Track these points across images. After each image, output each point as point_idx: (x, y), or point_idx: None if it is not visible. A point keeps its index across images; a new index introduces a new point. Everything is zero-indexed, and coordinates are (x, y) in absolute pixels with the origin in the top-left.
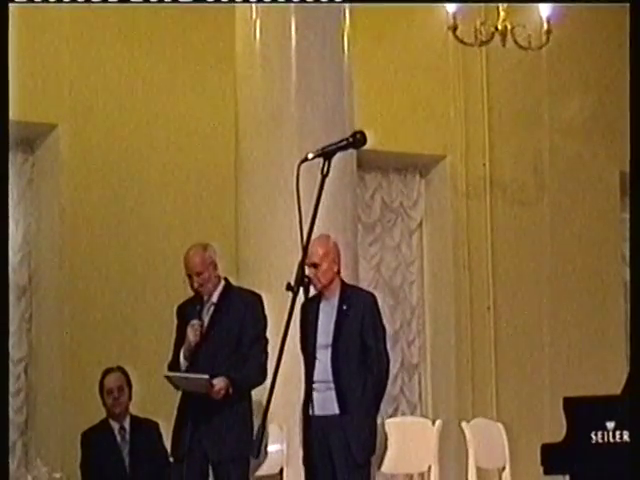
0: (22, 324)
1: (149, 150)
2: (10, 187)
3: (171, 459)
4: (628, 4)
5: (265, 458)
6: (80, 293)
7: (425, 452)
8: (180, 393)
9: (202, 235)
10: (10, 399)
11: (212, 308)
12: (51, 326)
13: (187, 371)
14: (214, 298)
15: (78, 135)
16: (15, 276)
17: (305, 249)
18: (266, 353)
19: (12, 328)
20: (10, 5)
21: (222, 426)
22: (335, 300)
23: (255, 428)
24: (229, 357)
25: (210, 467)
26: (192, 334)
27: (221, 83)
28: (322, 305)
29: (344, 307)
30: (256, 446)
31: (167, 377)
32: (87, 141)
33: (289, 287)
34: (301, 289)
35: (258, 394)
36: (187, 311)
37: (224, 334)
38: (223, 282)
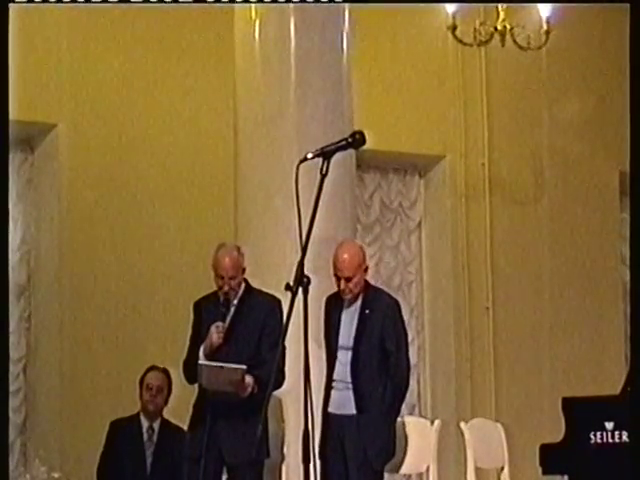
0: (21, 323)
1: (148, 150)
2: (9, 186)
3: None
4: (628, 4)
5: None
6: (79, 292)
7: (424, 452)
8: (195, 392)
9: (201, 234)
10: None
11: (232, 310)
12: (50, 325)
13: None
14: (235, 300)
15: (77, 134)
16: (14, 275)
17: (304, 248)
18: (284, 357)
19: (11, 327)
20: (10, 5)
21: (239, 428)
22: (358, 303)
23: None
24: (248, 360)
25: (224, 469)
26: (216, 336)
27: (221, 83)
28: (344, 306)
29: (366, 311)
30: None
31: (200, 366)
32: (86, 140)
33: (288, 287)
34: (300, 289)
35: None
36: (205, 309)
37: (244, 337)
38: (243, 284)
